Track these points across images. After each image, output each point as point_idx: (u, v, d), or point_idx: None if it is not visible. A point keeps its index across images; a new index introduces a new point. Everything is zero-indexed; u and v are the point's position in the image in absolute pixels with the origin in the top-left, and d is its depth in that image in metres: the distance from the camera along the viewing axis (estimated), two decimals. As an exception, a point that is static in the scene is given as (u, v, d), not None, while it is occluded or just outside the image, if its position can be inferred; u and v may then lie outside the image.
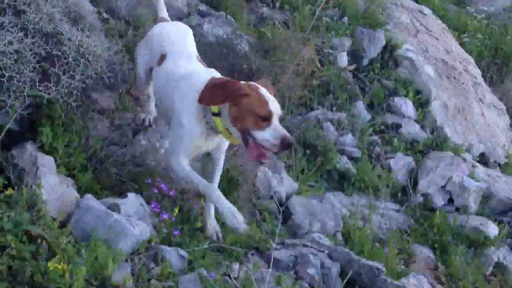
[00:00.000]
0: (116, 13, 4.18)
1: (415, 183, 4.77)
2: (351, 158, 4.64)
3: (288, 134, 2.61)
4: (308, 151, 4.29)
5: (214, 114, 2.72)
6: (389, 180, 4.62)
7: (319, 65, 4.98)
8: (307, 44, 4.86)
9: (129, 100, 3.47)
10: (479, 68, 7.12)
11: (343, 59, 5.19)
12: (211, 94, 2.66)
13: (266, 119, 2.60)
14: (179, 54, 3.05)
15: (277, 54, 4.47)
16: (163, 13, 3.50)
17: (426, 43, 6.15)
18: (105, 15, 3.96)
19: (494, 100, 6.63)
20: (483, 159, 5.56)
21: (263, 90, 2.68)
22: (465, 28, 8.21)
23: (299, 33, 4.98)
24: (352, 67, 5.12)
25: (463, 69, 6.37)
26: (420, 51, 5.91)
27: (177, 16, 4.62)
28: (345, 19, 5.58)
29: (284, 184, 3.76)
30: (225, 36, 4.54)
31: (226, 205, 2.74)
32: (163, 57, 3.06)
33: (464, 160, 5.05)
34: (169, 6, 4.57)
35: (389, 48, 5.60)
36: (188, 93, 2.77)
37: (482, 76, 7.06)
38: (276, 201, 3.50)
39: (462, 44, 7.55)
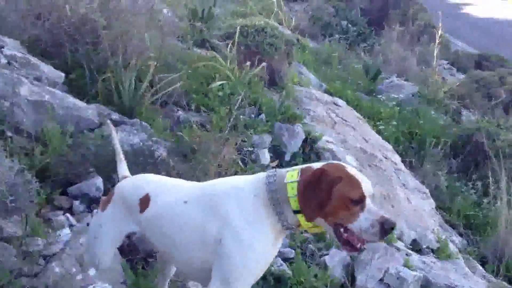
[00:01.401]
0: (23, 130, 3.98)
1: (353, 279, 4.65)
2: (285, 259, 4.49)
3: (386, 215, 2.33)
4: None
5: (296, 212, 2.36)
6: (327, 278, 4.48)
7: (241, 165, 4.91)
8: (226, 144, 4.81)
9: (38, 223, 3.20)
10: (398, 153, 7.34)
11: (265, 156, 5.17)
12: (312, 201, 2.28)
13: (359, 202, 2.32)
14: (173, 185, 2.73)
15: (196, 157, 4.36)
16: (126, 172, 3.12)
17: (344, 133, 6.29)
18: (9, 133, 3.75)
19: (417, 184, 6.78)
20: (415, 245, 5.56)
21: (350, 168, 2.40)
22: (380, 116, 8.57)
23: (217, 133, 4.93)
24: (275, 163, 5.09)
25: (383, 156, 6.53)
26: (339, 141, 6.02)
27: (88, 127, 4.47)
28: (263, 116, 5.63)
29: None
30: (140, 143, 4.41)
31: None
32: (145, 200, 2.65)
33: (398, 249, 5.02)
34: (79, 118, 4.45)
35: (309, 141, 5.66)
36: (242, 202, 2.39)
37: (402, 161, 7.26)
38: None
39: (378, 132, 7.82)
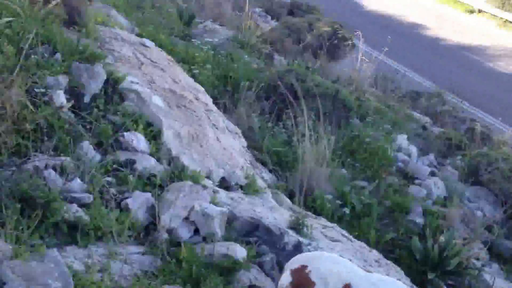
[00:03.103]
0: None
1: (158, 220, 4.45)
2: (82, 205, 4.14)
3: None
4: (24, 206, 3.67)
5: None
6: (129, 221, 4.23)
7: (31, 107, 4.40)
8: (13, 85, 4.26)
9: None
10: (212, 97, 7.23)
11: (60, 98, 4.68)
12: None
13: None
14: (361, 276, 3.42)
15: (-29, 99, 3.79)
16: None
17: (152, 74, 5.98)
18: None
19: (229, 124, 6.75)
20: (224, 183, 5.52)
21: None
22: (194, 60, 8.38)
23: (3, 74, 4.35)
24: (70, 104, 4.63)
25: (194, 98, 6.35)
26: (146, 83, 5.70)
27: None
28: (58, 55, 5.09)
29: (-8, 250, 3.11)
30: None
31: None
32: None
33: (205, 187, 4.91)
34: None
35: (112, 82, 5.25)
36: None
37: (216, 103, 7.17)
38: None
39: (193, 76, 7.62)
